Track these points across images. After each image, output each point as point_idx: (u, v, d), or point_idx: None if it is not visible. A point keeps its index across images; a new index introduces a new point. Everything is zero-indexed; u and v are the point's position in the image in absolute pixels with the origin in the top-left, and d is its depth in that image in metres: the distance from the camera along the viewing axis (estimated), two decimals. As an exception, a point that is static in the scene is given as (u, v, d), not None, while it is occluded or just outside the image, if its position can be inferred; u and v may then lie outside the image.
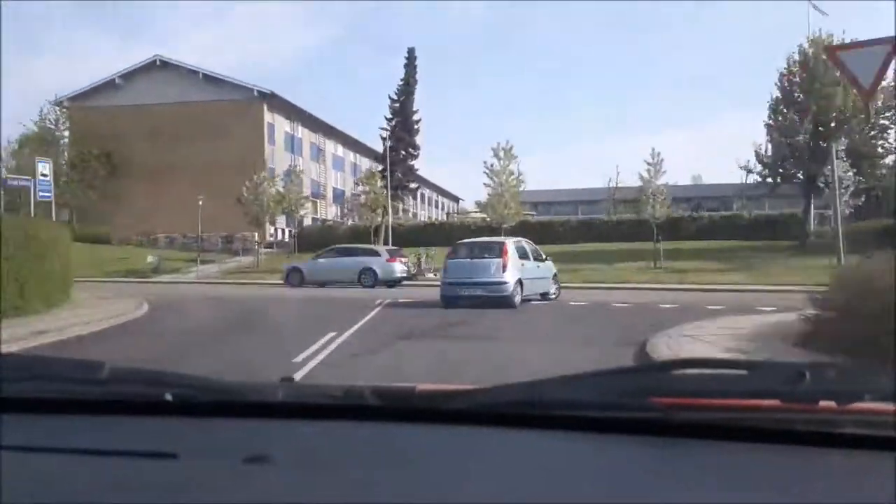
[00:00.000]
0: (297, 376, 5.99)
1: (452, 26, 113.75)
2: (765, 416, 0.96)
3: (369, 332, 10.02)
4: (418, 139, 37.99)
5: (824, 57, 20.20)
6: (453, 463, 0.93)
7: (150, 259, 31.62)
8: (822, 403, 0.92)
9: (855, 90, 8.81)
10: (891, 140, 27.90)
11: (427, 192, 78.59)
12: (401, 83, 37.43)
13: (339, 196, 51.23)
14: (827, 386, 0.92)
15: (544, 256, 16.79)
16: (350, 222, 32.51)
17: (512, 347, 8.79)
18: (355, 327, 10.35)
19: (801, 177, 28.92)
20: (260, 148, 42.16)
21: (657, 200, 25.86)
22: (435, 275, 24.75)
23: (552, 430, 1.00)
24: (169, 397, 1.08)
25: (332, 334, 9.05)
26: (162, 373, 1.15)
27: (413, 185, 38.68)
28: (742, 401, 0.97)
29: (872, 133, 27.35)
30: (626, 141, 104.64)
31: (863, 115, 22.23)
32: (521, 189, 27.62)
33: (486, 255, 14.53)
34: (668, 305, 14.53)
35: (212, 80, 43.62)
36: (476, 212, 42.33)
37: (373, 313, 13.09)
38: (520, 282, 14.17)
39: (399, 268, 23.19)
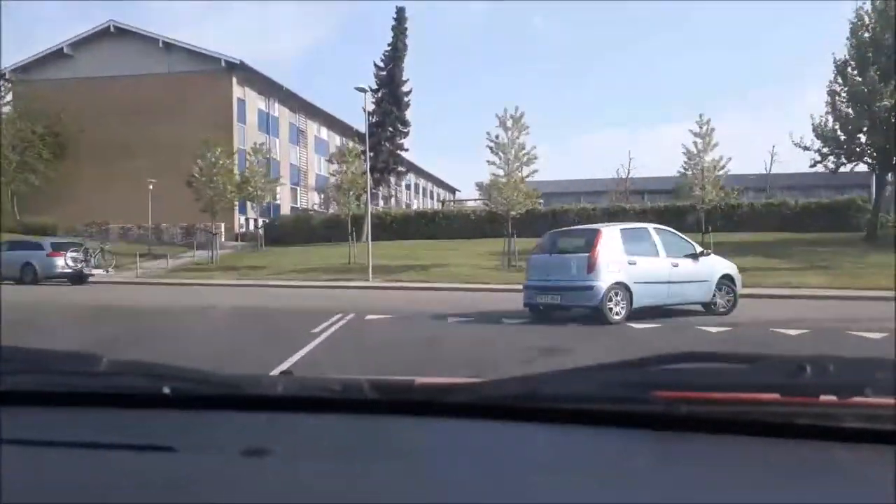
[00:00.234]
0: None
1: (450, 13, 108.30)
2: (766, 409, 0.94)
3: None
4: (409, 114, 32.46)
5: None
6: (452, 456, 0.92)
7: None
8: (823, 397, 0.92)
9: None
10: None
11: (421, 182, 73.32)
12: (388, 48, 31.93)
13: (322, 183, 45.84)
14: (828, 379, 0.91)
15: (699, 249, 11.74)
16: (331, 211, 27.10)
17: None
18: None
19: (872, 153, 23.58)
20: (228, 127, 36.76)
21: (708, 181, 20.47)
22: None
23: (552, 424, 0.98)
24: (167, 390, 1.07)
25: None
26: (160, 366, 1.13)
27: (401, 168, 33.10)
28: (743, 394, 0.96)
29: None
30: (628, 132, 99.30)
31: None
32: (533, 168, 22.23)
33: (572, 249, 10.87)
34: (791, 331, 9.19)
35: (173, 48, 38.18)
36: (476, 199, 36.90)
37: (310, 346, 7.77)
38: (623, 287, 10.19)
39: (60, 263, 21.44)
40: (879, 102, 21.24)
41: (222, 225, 37.13)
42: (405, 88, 32.22)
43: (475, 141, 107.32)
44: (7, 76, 38.63)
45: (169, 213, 33.54)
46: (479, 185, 22.77)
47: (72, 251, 21.89)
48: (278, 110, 44.06)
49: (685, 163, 20.74)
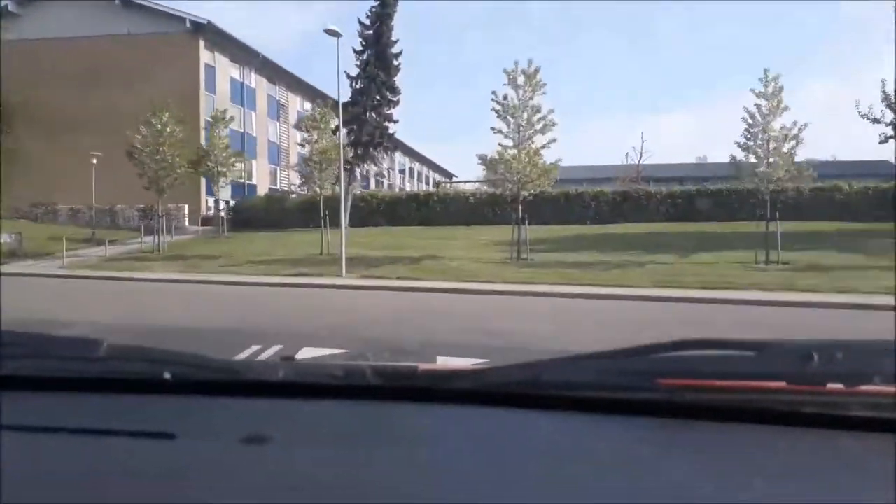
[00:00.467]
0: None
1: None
2: (772, 397, 0.93)
3: None
4: (398, 80, 27.81)
5: None
6: (455, 443, 0.92)
7: (4, 238, 21.74)
8: (830, 385, 0.91)
9: None
10: None
11: (416, 165, 68.74)
12: (375, 4, 27.26)
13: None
14: (835, 368, 0.90)
15: None
16: (307, 192, 22.62)
17: None
18: None
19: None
20: (194, 96, 32.13)
21: (780, 154, 15.88)
22: None
23: (555, 411, 0.97)
24: (167, 376, 1.06)
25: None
26: (161, 351, 1.12)
27: (389, 143, 28.49)
28: (749, 382, 0.95)
29: None
30: (629, 120, 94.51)
31: None
32: (550, 137, 17.67)
33: None
34: None
35: (132, 6, 33.35)
36: (476, 181, 32.47)
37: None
38: None
39: None
40: None
41: (185, 207, 32.80)
42: (395, 50, 27.52)
43: (473, 126, 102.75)
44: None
45: (126, 193, 29.01)
46: (483, 159, 18.16)
47: None
48: (255, 80, 39.35)
49: (746, 131, 16.19)
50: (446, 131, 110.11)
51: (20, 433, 0.92)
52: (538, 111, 17.48)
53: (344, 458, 0.85)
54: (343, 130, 28.48)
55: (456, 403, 1.02)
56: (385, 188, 47.33)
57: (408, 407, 1.04)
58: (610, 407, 0.96)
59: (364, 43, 27.38)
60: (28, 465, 0.83)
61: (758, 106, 16.25)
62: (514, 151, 17.63)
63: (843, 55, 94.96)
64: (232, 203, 28.63)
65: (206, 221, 30.74)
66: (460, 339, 7.39)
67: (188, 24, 32.95)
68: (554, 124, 17.57)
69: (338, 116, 20.39)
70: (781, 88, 16.00)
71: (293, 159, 41.43)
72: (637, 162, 49.67)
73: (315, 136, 20.06)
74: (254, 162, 39.55)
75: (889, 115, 18.55)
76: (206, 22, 32.98)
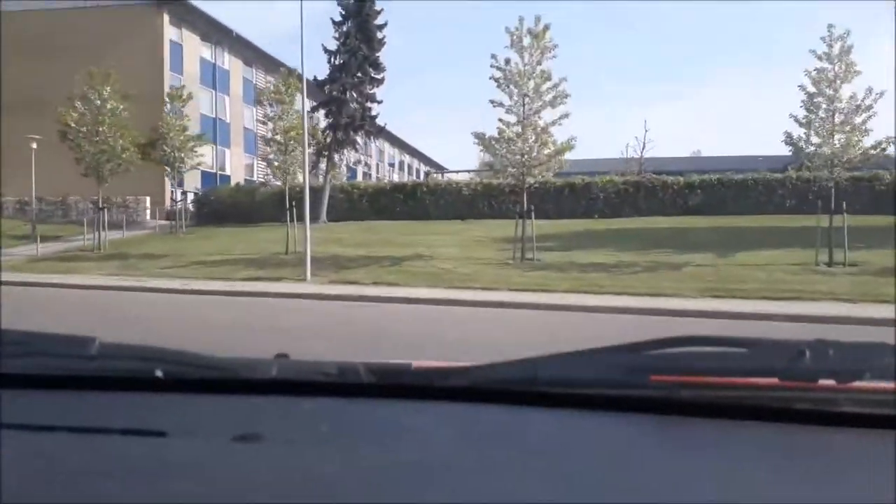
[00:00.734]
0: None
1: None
2: (764, 394, 0.94)
3: None
4: (382, 56, 24.58)
5: None
6: (449, 440, 0.91)
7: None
8: (822, 381, 0.91)
9: None
10: None
11: (406, 158, 65.52)
12: (358, -31, 23.98)
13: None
14: (827, 364, 0.90)
15: None
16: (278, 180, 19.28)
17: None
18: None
19: None
20: (157, 77, 28.82)
21: (853, 128, 12.64)
22: None
23: (550, 408, 0.97)
24: (160, 374, 1.05)
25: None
26: (154, 349, 1.10)
27: (372, 127, 25.24)
28: (742, 379, 0.95)
29: None
30: (621, 112, 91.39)
31: None
32: (562, 112, 14.46)
33: None
34: None
35: (88, -24, 29.98)
36: (473, 170, 29.44)
37: None
38: None
39: None
40: None
41: (147, 199, 29.53)
42: (379, 21, 24.30)
43: (470, 119, 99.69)
44: None
45: (82, 183, 25.72)
46: (480, 138, 14.95)
47: None
48: (228, 61, 36.01)
49: (806, 101, 13.02)
50: (439, 125, 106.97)
51: (12, 431, 0.92)
52: (548, 79, 14.31)
53: (338, 455, 0.84)
54: (319, 113, 25.43)
55: (450, 401, 1.01)
56: (374, 181, 44.20)
57: (402, 404, 1.02)
58: (605, 403, 0.96)
59: (344, 13, 24.15)
60: (20, 462, 0.82)
61: (820, 71, 13.12)
62: (519, 128, 14.46)
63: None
64: (180, 194, 25.18)
65: (171, 216, 27.53)
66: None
67: (150, -4, 29.62)
68: (566, 96, 14.41)
69: (309, 84, 17.02)
70: (850, 48, 12.87)
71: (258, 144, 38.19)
72: (640, 153, 46.52)
73: (279, 112, 16.77)
74: (227, 150, 36.24)
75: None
76: (170, -7, 29.67)
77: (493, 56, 14.55)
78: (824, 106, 13.16)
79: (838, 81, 13.00)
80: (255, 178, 36.23)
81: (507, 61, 14.43)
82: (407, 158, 65.63)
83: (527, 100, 14.44)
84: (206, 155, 26.33)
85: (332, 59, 24.12)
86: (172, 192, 26.92)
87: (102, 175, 18.37)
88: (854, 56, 13.04)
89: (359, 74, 23.94)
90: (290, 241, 16.38)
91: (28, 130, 24.64)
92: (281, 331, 7.91)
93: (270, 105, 17.01)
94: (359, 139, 25.29)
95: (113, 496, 0.74)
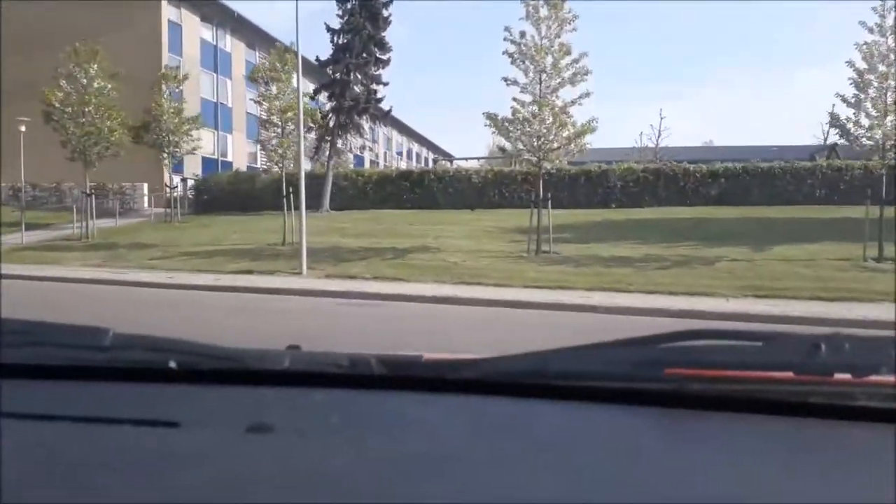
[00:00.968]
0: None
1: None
2: (779, 388, 0.93)
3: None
4: (388, 35, 23.28)
5: None
6: (460, 432, 0.91)
7: None
8: (838, 376, 0.90)
9: None
10: None
11: (415, 147, 64.23)
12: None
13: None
14: (842, 358, 0.89)
15: None
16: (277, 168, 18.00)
17: None
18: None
19: None
20: (154, 59, 27.54)
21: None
22: None
23: (562, 401, 0.96)
24: (173, 364, 1.05)
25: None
26: (166, 340, 1.10)
27: (378, 111, 23.98)
28: (756, 372, 0.95)
29: None
30: (631, 104, 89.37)
31: None
32: (583, 90, 13.17)
33: None
34: None
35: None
36: (483, 157, 28.31)
37: None
38: None
39: None
40: None
41: (144, 186, 28.45)
42: (385, -1, 22.97)
43: (470, 100, 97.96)
44: None
45: (79, 169, 24.60)
46: (492, 119, 13.68)
47: None
48: (230, 44, 34.80)
49: (856, 79, 11.59)
50: (449, 114, 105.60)
51: (27, 421, 0.92)
52: (567, 53, 13.02)
53: (349, 446, 0.84)
54: (322, 95, 24.20)
55: (461, 393, 1.00)
56: (380, 169, 42.89)
57: (413, 396, 1.02)
58: (617, 397, 0.95)
59: (348, -12, 22.83)
60: (35, 452, 0.83)
61: (869, 46, 11.76)
62: (535, 108, 13.20)
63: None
64: (177, 181, 24.08)
65: (169, 203, 26.43)
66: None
67: (147, -27, 28.38)
68: (587, 72, 13.10)
69: (312, 65, 15.80)
70: (906, 19, 11.52)
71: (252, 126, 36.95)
72: (655, 141, 45.07)
73: (274, 90, 15.53)
74: (229, 136, 35.11)
75: None
76: (168, -29, 28.45)
77: (507, 29, 13.28)
78: (875, 84, 11.81)
79: (892, 56, 11.65)
80: (258, 165, 35.12)
81: (523, 34, 13.15)
82: (416, 147, 64.33)
83: (544, 77, 13.16)
84: (203, 139, 25.10)
85: (336, 39, 22.84)
86: (170, 178, 25.80)
87: (90, 159, 17.25)
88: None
89: (363, 55, 22.65)
90: (288, 230, 15.23)
91: (21, 115, 23.59)
92: (257, 336, 6.76)
93: (266, 84, 15.77)
94: (364, 123, 24.03)
95: (125, 485, 0.75)
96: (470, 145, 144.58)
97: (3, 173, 27.12)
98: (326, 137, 23.13)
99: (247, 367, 1.08)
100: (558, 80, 13.05)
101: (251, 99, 20.88)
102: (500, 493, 0.73)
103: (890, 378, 0.88)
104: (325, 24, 22.62)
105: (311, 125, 17.90)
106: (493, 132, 13.96)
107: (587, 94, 13.26)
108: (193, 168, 29.69)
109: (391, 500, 0.73)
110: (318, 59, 23.13)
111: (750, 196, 21.64)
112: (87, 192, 17.82)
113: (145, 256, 14.45)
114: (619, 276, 10.95)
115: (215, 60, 33.50)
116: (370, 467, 0.79)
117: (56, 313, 7.85)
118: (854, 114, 11.98)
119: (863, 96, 11.84)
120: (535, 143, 13.21)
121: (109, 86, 17.27)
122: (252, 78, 17.35)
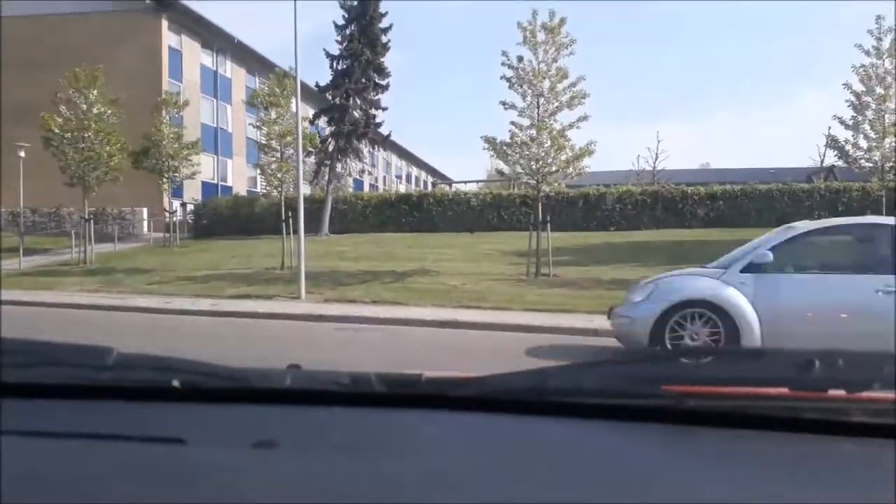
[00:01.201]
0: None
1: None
2: (774, 404, 0.94)
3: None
4: (387, 61, 23.48)
5: None
6: (461, 449, 0.91)
7: None
8: (832, 392, 0.91)
9: None
10: None
11: (414, 171, 64.51)
12: (362, -30, 22.94)
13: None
14: (836, 374, 0.91)
15: None
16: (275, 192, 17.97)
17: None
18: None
19: None
20: (154, 85, 27.74)
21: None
22: None
23: (561, 418, 0.97)
24: (177, 383, 1.06)
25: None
26: (170, 359, 1.12)
27: (377, 135, 24.09)
28: (752, 388, 0.96)
29: None
30: (628, 128, 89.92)
31: None
32: (580, 113, 13.24)
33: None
34: None
35: (83, -20, 29.13)
36: (481, 180, 28.43)
37: None
38: None
39: None
40: None
41: (144, 210, 28.47)
42: (383, 25, 23.22)
43: (468, 128, 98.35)
44: None
45: (78, 194, 24.54)
46: (490, 143, 13.72)
47: None
48: (231, 70, 35.13)
49: (854, 101, 11.58)
50: (447, 137, 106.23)
51: (34, 438, 0.92)
52: (564, 77, 13.09)
53: (351, 463, 0.85)
54: (322, 120, 24.32)
55: (461, 410, 1.01)
56: (381, 188, 42.97)
57: (414, 413, 1.03)
58: (615, 413, 0.95)
59: (347, 16, 23.08)
60: (43, 469, 0.83)
61: (866, 68, 11.84)
62: (533, 132, 13.24)
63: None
64: (177, 205, 24.09)
65: (169, 228, 26.40)
66: None
67: (147, 0, 28.70)
68: (585, 96, 13.17)
69: (311, 90, 15.88)
70: (902, 42, 11.63)
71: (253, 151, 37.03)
72: (653, 164, 45.32)
73: (273, 115, 15.60)
74: (229, 161, 35.27)
75: None
76: (169, -1, 28.76)
77: (505, 53, 13.37)
78: (873, 106, 11.87)
79: (889, 78, 11.72)
80: (257, 189, 35.16)
81: (520, 59, 13.23)
82: (415, 170, 64.63)
83: (541, 101, 13.22)
84: (203, 164, 25.20)
85: (335, 64, 23.03)
86: (169, 202, 25.81)
87: (89, 184, 17.26)
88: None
89: (362, 80, 22.81)
90: (287, 254, 15.18)
91: (24, 139, 23.67)
92: (255, 360, 6.67)
93: (265, 108, 15.83)
94: (363, 147, 24.13)
95: (133, 500, 0.75)
96: (469, 168, 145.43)
97: (2, 198, 27.18)
98: (326, 162, 23.21)
99: (250, 386, 1.09)
100: (556, 103, 13.11)
101: (251, 124, 21.01)
102: None
103: (883, 394, 0.89)
104: (325, 49, 22.85)
105: (311, 150, 17.90)
106: (492, 155, 14.03)
107: (585, 118, 13.32)
108: (193, 192, 29.77)
109: None
110: (317, 85, 23.30)
111: (748, 218, 21.66)
112: (86, 216, 17.82)
113: (143, 281, 14.37)
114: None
115: (215, 86, 33.77)
116: (373, 483, 0.80)
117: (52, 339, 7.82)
118: (853, 136, 12.03)
119: (861, 118, 11.90)
120: (534, 167, 13.23)
121: (109, 111, 17.33)
122: (251, 103, 17.43)
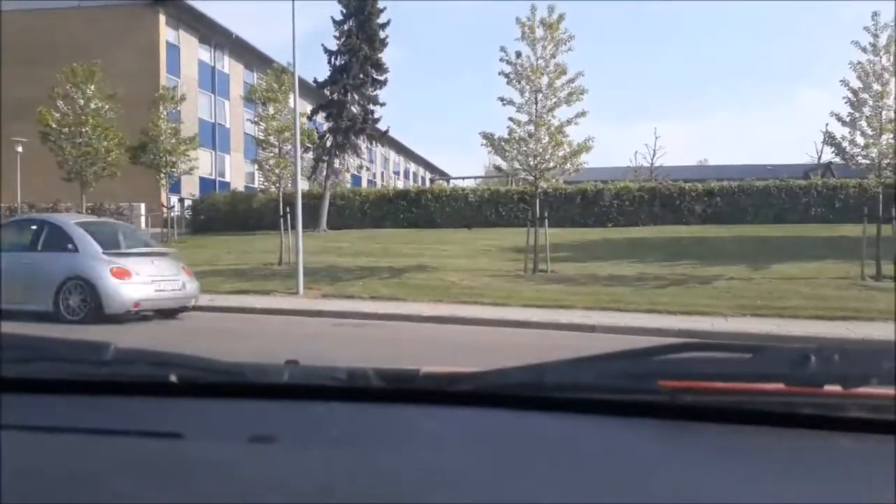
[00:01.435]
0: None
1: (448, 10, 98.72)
2: (770, 399, 0.94)
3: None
4: (385, 56, 23.45)
5: None
6: (458, 444, 0.92)
7: None
8: (828, 387, 0.91)
9: None
10: None
11: (413, 167, 64.45)
12: (359, -34, 22.88)
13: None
14: (832, 370, 0.90)
15: None
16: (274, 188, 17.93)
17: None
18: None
19: None
20: (152, 80, 27.62)
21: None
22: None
23: (558, 413, 0.98)
24: (174, 378, 1.06)
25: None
26: (167, 354, 1.12)
27: (375, 131, 24.07)
28: (747, 384, 0.96)
29: None
30: (625, 125, 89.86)
31: None
32: (578, 110, 13.24)
33: None
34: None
35: (80, -26, 29.01)
36: (479, 176, 28.51)
37: None
38: None
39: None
40: None
41: (142, 206, 28.41)
42: (381, 20, 23.18)
43: (467, 127, 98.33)
44: None
45: (76, 190, 24.46)
46: (489, 139, 13.73)
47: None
48: (229, 65, 35.05)
49: (850, 98, 11.59)
50: (445, 134, 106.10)
51: (27, 433, 0.93)
52: (563, 73, 13.09)
53: (349, 458, 0.85)
54: (320, 116, 24.29)
55: (459, 405, 1.01)
56: (378, 184, 42.94)
57: (411, 409, 1.03)
58: (611, 408, 0.96)
59: (345, 11, 23.03)
60: (42, 463, 0.84)
61: (863, 65, 11.85)
62: (531, 128, 13.24)
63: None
64: (175, 201, 24.05)
65: (167, 223, 26.35)
66: None
67: (144, -5, 28.61)
68: (583, 91, 13.17)
69: (309, 86, 15.84)
70: (899, 38, 11.61)
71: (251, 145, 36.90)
72: (650, 160, 45.27)
73: (271, 111, 15.57)
74: (227, 156, 35.23)
75: None
76: (167, -7, 28.66)
77: (503, 49, 13.36)
78: (870, 103, 11.88)
79: (886, 75, 11.73)
80: (255, 185, 35.12)
81: (518, 54, 13.22)
82: (413, 166, 64.55)
83: (539, 96, 13.21)
84: (201, 159, 25.16)
85: (333, 60, 22.99)
86: (167, 198, 25.77)
87: (87, 179, 17.24)
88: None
89: (360, 75, 22.78)
90: (285, 250, 15.18)
91: (21, 134, 23.60)
92: (252, 355, 6.68)
93: (263, 104, 15.80)
94: (361, 143, 24.10)
95: (130, 495, 0.75)
96: (467, 164, 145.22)
97: (4, 194, 27.14)
98: (324, 157, 23.18)
99: (247, 381, 1.09)
100: (554, 99, 13.10)
101: (248, 119, 21.01)
102: None
103: (880, 390, 0.89)
104: (323, 45, 22.81)
105: (309, 145, 17.90)
106: (490, 151, 14.03)
107: (583, 114, 13.30)
108: (191, 188, 29.73)
109: None
110: (315, 81, 23.25)
111: (745, 214, 21.67)
112: (84, 212, 17.74)
113: (140, 277, 14.34)
114: (617, 296, 10.91)
115: (213, 81, 33.70)
116: (371, 478, 0.80)
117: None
118: (850, 132, 12.04)
119: (858, 115, 11.89)
120: (532, 163, 13.23)
121: (106, 106, 17.32)
122: (249, 98, 17.40)
